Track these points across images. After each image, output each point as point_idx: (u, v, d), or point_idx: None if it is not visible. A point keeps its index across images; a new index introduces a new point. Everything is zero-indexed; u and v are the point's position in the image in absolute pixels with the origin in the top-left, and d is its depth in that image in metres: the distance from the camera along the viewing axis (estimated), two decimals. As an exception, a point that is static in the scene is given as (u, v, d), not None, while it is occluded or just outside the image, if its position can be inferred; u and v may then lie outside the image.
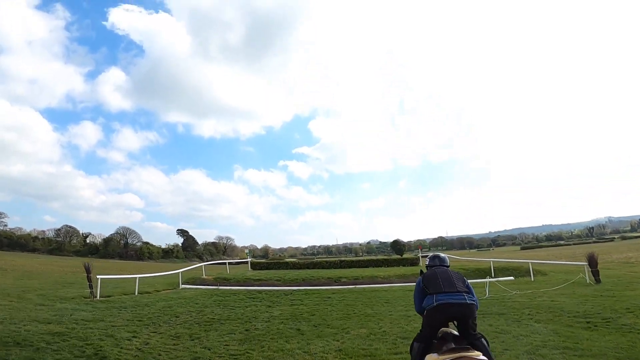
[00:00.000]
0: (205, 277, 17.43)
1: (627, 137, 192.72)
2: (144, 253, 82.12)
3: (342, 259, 33.45)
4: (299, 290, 13.85)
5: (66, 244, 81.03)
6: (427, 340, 3.06)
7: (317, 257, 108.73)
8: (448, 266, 3.59)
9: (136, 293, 12.53)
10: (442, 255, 3.76)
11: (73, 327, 6.96)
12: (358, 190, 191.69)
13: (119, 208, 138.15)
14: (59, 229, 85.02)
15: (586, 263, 13.62)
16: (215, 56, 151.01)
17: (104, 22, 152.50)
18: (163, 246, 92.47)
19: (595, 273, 13.05)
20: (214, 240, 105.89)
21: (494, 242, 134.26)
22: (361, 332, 6.81)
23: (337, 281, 15.94)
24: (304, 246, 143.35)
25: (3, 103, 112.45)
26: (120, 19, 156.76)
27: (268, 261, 32.10)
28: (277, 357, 5.50)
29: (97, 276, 11.57)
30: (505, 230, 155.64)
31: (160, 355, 5.56)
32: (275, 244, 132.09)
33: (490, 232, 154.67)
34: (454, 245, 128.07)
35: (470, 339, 2.94)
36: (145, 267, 43.59)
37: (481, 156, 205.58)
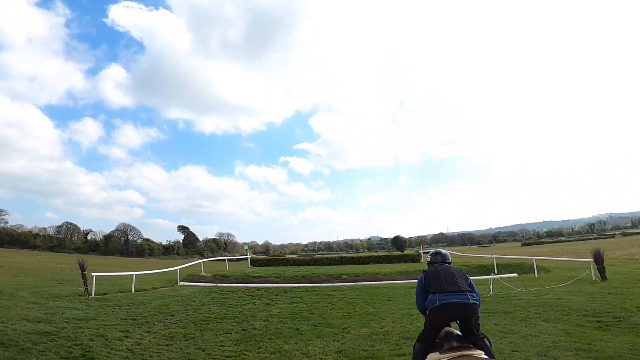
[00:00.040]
0: (204, 274, 17.20)
1: (628, 134, 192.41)
2: (145, 250, 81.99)
3: (343, 255, 33.20)
4: (299, 287, 13.61)
5: (66, 240, 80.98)
6: (430, 340, 2.98)
7: (318, 253, 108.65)
8: (450, 263, 3.48)
9: (133, 291, 12.29)
10: (443, 251, 3.64)
11: (63, 326, 6.70)
12: (359, 186, 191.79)
13: (120, 204, 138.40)
14: (59, 226, 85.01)
15: (592, 260, 13.34)
16: (215, 53, 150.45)
17: (104, 19, 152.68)
18: (164, 243, 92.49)
19: (601, 270, 12.77)
20: (215, 237, 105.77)
21: (495, 238, 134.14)
22: (362, 332, 6.55)
23: (337, 278, 15.70)
24: (304, 242, 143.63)
25: (4, 100, 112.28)
26: (121, 15, 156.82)
27: (268, 258, 31.95)
28: None
29: (92, 274, 11.31)
30: (505, 227, 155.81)
31: (151, 356, 5.31)
32: (276, 240, 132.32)
33: (490, 228, 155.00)
34: (454, 241, 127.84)
35: (473, 339, 2.88)
36: (145, 263, 43.49)
37: (482, 153, 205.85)
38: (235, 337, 6.47)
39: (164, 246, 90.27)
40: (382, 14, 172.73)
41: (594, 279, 12.67)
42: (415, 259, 22.98)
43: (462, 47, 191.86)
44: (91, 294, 10.67)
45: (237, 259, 37.50)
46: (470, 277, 3.26)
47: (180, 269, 16.48)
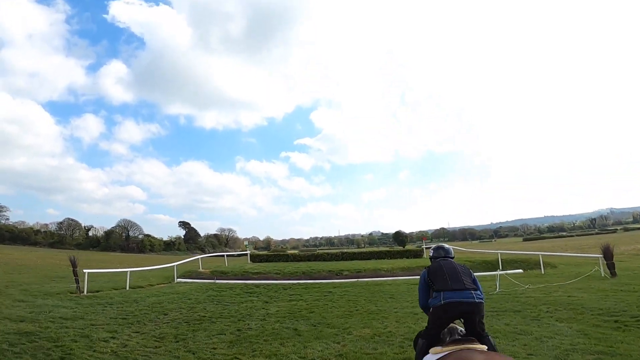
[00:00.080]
0: (202, 270, 16.85)
1: (628, 134, 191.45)
2: (146, 246, 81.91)
3: (344, 250, 32.84)
4: (299, 284, 13.25)
5: (67, 237, 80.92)
6: (433, 337, 2.89)
7: (319, 248, 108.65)
8: (453, 258, 3.36)
9: (127, 288, 11.94)
10: (446, 246, 3.50)
11: (47, 325, 6.33)
12: (360, 181, 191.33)
13: (122, 200, 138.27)
14: (61, 222, 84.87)
15: (601, 255, 12.91)
16: (216, 48, 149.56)
17: (105, 15, 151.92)
18: (165, 239, 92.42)
19: (611, 266, 12.34)
20: (216, 232, 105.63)
21: (496, 233, 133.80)
22: (364, 333, 6.15)
23: (338, 274, 15.34)
24: (306, 237, 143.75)
25: (5, 96, 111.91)
26: (121, 11, 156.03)
27: (268, 253, 31.62)
28: (269, 364, 4.86)
29: (84, 270, 10.95)
30: (506, 222, 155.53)
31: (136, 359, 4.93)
32: (277, 236, 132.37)
33: (491, 223, 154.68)
34: (455, 236, 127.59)
35: (476, 336, 2.79)
36: (146, 260, 43.27)
37: (482, 153, 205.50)
38: (229, 338, 6.08)
39: (165, 242, 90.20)
40: (382, 14, 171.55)
41: (603, 275, 12.26)
42: (417, 254, 22.59)
43: (462, 47, 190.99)
44: (83, 292, 10.32)
45: (237, 254, 37.24)
46: (475, 274, 3.16)
47: (177, 265, 16.13)
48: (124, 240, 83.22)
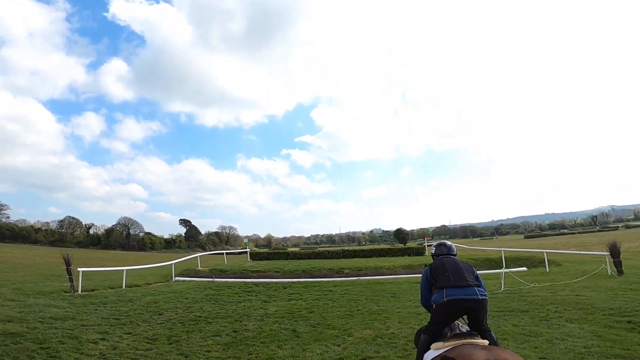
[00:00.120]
0: (201, 268, 16.61)
1: (628, 134, 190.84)
2: (146, 244, 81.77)
3: (345, 248, 32.56)
4: (299, 282, 13.00)
5: (68, 235, 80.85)
6: (436, 333, 2.81)
7: (320, 246, 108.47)
8: (455, 255, 3.29)
9: (123, 286, 11.69)
10: (448, 243, 3.43)
11: (35, 326, 6.08)
12: (361, 178, 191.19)
13: (123, 198, 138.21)
14: (62, 220, 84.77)
15: (607, 253, 12.63)
16: (216, 46, 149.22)
17: (105, 13, 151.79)
18: (166, 236, 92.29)
19: (618, 264, 12.07)
20: (217, 230, 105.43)
21: (497, 230, 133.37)
22: (366, 335, 5.88)
23: (339, 272, 15.07)
24: (307, 235, 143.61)
25: (6, 95, 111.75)
26: (121, 9, 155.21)
27: (268, 251, 31.36)
28: (265, 368, 4.60)
29: (78, 269, 10.70)
30: (507, 219, 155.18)
31: (126, 364, 4.67)
32: (278, 233, 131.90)
33: (492, 220, 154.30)
34: (457, 234, 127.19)
35: (478, 332, 2.71)
36: (146, 258, 43.08)
37: (482, 153, 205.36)
38: (224, 340, 5.82)
39: (165, 240, 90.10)
40: (382, 14, 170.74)
41: (610, 273, 11.98)
42: (419, 252, 22.31)
43: (462, 47, 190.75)
44: (77, 291, 10.07)
45: (237, 252, 36.99)
46: (478, 272, 3.08)
47: (175, 263, 15.88)
48: (124, 239, 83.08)
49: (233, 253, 34.28)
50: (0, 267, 16.92)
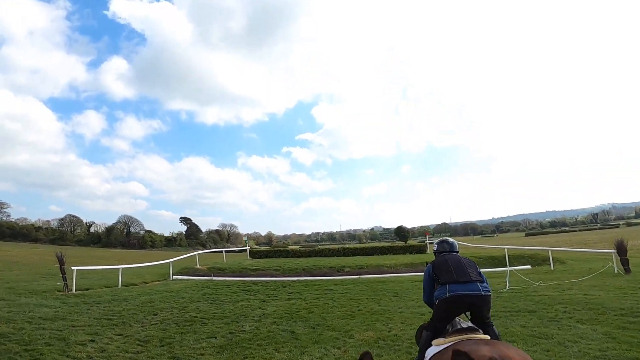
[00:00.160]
0: (199, 266, 16.38)
1: (629, 131, 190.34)
2: (147, 242, 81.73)
3: (346, 246, 32.31)
4: (299, 281, 12.75)
5: (68, 233, 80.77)
6: (438, 329, 2.75)
7: (321, 244, 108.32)
8: (458, 252, 3.24)
9: (119, 285, 11.46)
10: (451, 240, 3.39)
11: (22, 327, 5.84)
12: (361, 176, 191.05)
13: (124, 196, 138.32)
14: (62, 219, 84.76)
15: (614, 251, 12.35)
16: (217, 44, 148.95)
17: (105, 12, 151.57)
18: (166, 234, 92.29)
19: (625, 262, 11.79)
20: (218, 228, 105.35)
21: (498, 228, 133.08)
22: (367, 337, 5.62)
23: (339, 271, 14.82)
24: (307, 233, 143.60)
25: (6, 93, 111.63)
26: (121, 7, 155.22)
27: (268, 249, 31.17)
28: (261, 373, 4.34)
29: (72, 267, 10.47)
30: (508, 217, 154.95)
31: (114, 369, 4.42)
32: (279, 231, 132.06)
33: (493, 218, 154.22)
34: (457, 231, 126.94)
35: (481, 327, 2.69)
36: (146, 256, 42.94)
37: (483, 150, 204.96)
38: (219, 342, 5.56)
39: (166, 238, 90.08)
40: (382, 11, 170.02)
41: (617, 271, 11.70)
42: (420, 249, 22.06)
43: (463, 44, 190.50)
44: (71, 290, 9.84)
45: (237, 250, 36.78)
46: (482, 270, 3.02)
47: (173, 261, 15.65)
48: (124, 237, 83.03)
49: (233, 251, 34.11)
50: (-4, 265, 16.73)
